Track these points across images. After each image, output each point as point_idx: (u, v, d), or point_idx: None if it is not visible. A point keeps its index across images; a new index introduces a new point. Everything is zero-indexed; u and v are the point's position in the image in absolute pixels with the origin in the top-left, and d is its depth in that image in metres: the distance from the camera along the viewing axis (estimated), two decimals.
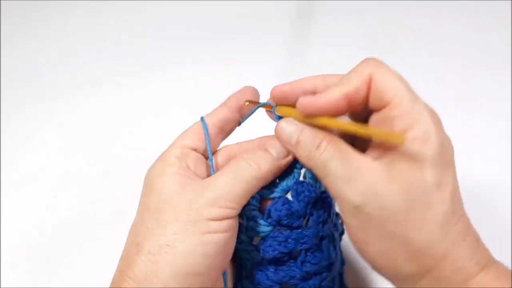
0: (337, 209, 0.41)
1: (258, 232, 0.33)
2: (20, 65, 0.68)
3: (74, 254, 0.49)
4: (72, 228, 0.51)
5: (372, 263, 0.30)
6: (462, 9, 0.71)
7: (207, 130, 0.36)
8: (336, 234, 0.36)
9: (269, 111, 0.36)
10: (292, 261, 0.33)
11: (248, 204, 0.33)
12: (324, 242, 0.33)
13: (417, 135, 0.27)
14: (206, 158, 0.36)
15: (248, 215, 0.33)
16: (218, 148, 0.37)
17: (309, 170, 0.34)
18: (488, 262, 0.28)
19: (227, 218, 0.30)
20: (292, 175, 0.34)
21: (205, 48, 0.69)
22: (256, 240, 0.34)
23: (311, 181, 0.34)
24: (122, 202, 0.50)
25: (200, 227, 0.29)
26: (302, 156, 0.31)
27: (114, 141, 0.58)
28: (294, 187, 0.33)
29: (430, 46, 0.68)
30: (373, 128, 0.30)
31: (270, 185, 0.34)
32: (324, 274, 0.33)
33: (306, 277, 0.33)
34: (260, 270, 0.34)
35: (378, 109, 0.29)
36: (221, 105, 0.37)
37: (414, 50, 0.65)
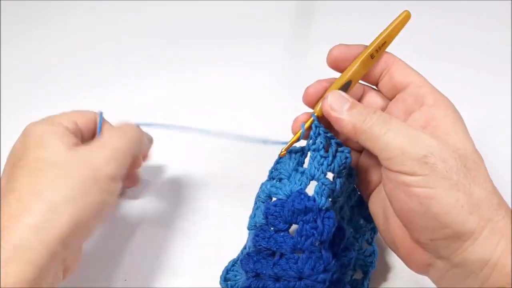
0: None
1: (256, 221, 0.36)
2: (20, 65, 0.68)
3: None
4: None
5: (439, 220, 0.30)
6: (462, 9, 0.71)
7: (101, 120, 0.41)
8: (329, 256, 0.34)
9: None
10: (271, 258, 0.35)
11: (260, 196, 0.37)
12: (303, 255, 0.33)
13: (449, 108, 0.32)
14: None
15: (257, 205, 0.37)
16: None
17: (320, 183, 0.34)
18: None
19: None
20: (299, 182, 0.35)
21: (205, 48, 0.69)
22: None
23: (316, 196, 0.34)
24: (122, 201, 0.51)
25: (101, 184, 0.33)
26: (355, 120, 0.32)
27: None
28: (293, 194, 0.34)
29: (429, 46, 0.68)
30: (389, 26, 0.36)
31: (280, 185, 0.36)
32: (291, 284, 0.34)
33: (274, 278, 0.34)
34: (247, 254, 0.36)
35: (397, 89, 0.35)
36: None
37: (414, 50, 0.65)
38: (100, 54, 0.69)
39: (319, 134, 0.35)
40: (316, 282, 0.34)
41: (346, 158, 0.36)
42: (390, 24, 0.35)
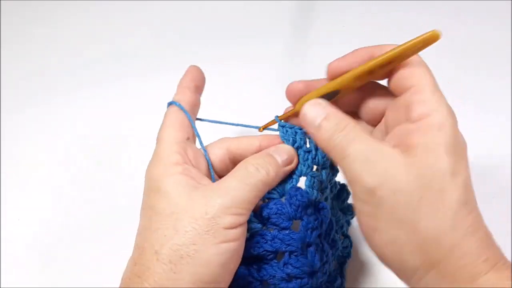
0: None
1: (249, 228, 0.34)
2: (20, 65, 0.68)
3: (74, 254, 0.49)
4: (72, 227, 0.51)
5: (379, 253, 0.30)
6: (462, 9, 0.71)
7: (190, 118, 0.36)
8: (328, 248, 0.36)
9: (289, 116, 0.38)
10: (276, 261, 0.34)
11: None
12: (311, 249, 0.34)
13: (434, 123, 0.28)
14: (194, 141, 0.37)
15: None
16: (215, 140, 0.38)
17: (309, 177, 0.35)
18: (499, 261, 0.27)
19: (240, 224, 0.31)
20: (291, 180, 0.35)
21: (204, 48, 0.69)
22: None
23: (308, 189, 0.35)
24: (122, 202, 0.51)
25: (217, 237, 0.30)
26: (324, 137, 0.31)
27: (115, 141, 0.58)
28: (289, 191, 0.34)
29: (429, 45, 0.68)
30: (405, 44, 0.30)
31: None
32: (304, 280, 0.33)
33: (286, 279, 0.34)
34: (245, 265, 0.34)
35: (398, 92, 0.31)
36: (183, 89, 0.38)
37: None
38: (100, 54, 0.69)
39: (295, 133, 0.36)
40: (323, 274, 0.34)
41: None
42: (410, 41, 0.30)
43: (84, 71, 0.67)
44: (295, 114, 0.36)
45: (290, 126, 0.36)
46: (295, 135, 0.36)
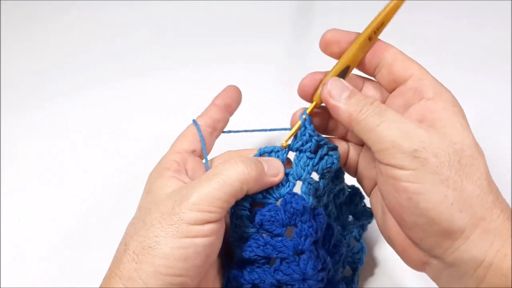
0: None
1: (243, 232, 0.34)
2: (20, 65, 0.68)
3: (74, 254, 0.49)
4: (72, 227, 0.51)
5: (428, 216, 0.29)
6: (462, 9, 0.71)
7: (201, 133, 0.37)
8: (325, 254, 0.35)
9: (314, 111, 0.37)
10: (268, 266, 0.34)
11: (239, 205, 0.34)
12: (303, 256, 0.33)
13: (448, 100, 0.31)
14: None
15: (238, 214, 0.34)
16: (220, 152, 0.38)
17: (306, 183, 0.35)
18: None
19: (208, 222, 0.30)
20: (287, 184, 0.35)
21: (205, 48, 0.69)
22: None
23: (304, 195, 0.35)
24: (122, 202, 0.51)
25: (181, 231, 0.30)
26: (351, 110, 0.32)
27: (115, 141, 0.58)
28: (285, 197, 0.34)
29: (429, 46, 0.68)
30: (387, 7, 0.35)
31: (264, 191, 0.35)
32: (295, 287, 0.33)
33: (276, 285, 0.33)
34: (238, 267, 0.35)
35: (398, 83, 0.34)
36: (211, 105, 0.40)
37: (414, 50, 0.65)
38: (100, 54, 0.69)
39: (310, 136, 0.35)
40: (317, 281, 0.34)
41: (333, 163, 0.36)
42: (388, 5, 0.35)
43: (84, 71, 0.67)
44: (316, 106, 0.36)
45: (313, 133, 0.36)
46: (310, 138, 0.35)
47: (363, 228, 0.43)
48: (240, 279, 0.34)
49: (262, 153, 0.36)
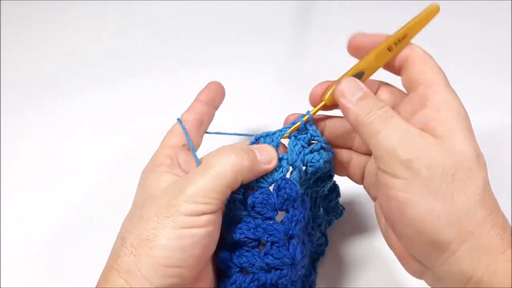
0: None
1: (235, 214, 0.35)
2: (20, 65, 0.68)
3: (75, 254, 0.49)
4: (72, 227, 0.51)
5: (414, 227, 0.29)
6: (462, 9, 0.71)
7: (185, 129, 0.38)
8: (307, 241, 0.37)
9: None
10: (257, 249, 0.34)
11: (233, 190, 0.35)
12: (293, 241, 0.33)
13: (453, 108, 0.31)
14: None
15: (231, 197, 0.35)
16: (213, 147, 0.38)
17: (297, 170, 0.36)
18: None
19: (205, 213, 0.31)
20: (280, 170, 0.35)
21: (205, 48, 0.69)
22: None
23: (294, 182, 0.35)
24: (124, 202, 0.50)
25: (178, 222, 0.30)
26: (360, 112, 0.32)
27: (115, 140, 0.58)
28: (278, 182, 0.35)
29: (429, 45, 0.67)
30: (412, 20, 0.35)
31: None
32: (284, 272, 0.33)
33: (265, 269, 0.34)
34: (228, 250, 0.35)
35: (413, 87, 0.33)
36: (195, 101, 0.41)
37: None
38: (100, 54, 0.69)
39: (310, 125, 0.37)
40: (301, 267, 0.35)
41: (318, 160, 0.37)
42: (415, 17, 0.34)
43: (84, 71, 0.67)
44: (324, 107, 0.37)
45: (315, 133, 0.37)
46: (310, 126, 0.37)
47: (329, 223, 0.44)
48: (229, 262, 0.34)
49: (258, 138, 0.37)
